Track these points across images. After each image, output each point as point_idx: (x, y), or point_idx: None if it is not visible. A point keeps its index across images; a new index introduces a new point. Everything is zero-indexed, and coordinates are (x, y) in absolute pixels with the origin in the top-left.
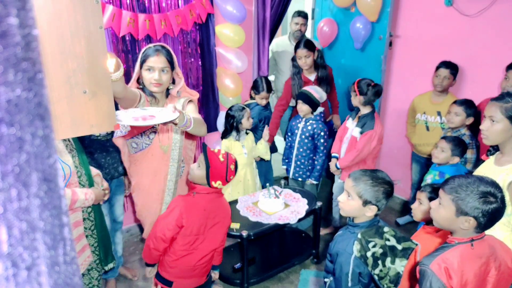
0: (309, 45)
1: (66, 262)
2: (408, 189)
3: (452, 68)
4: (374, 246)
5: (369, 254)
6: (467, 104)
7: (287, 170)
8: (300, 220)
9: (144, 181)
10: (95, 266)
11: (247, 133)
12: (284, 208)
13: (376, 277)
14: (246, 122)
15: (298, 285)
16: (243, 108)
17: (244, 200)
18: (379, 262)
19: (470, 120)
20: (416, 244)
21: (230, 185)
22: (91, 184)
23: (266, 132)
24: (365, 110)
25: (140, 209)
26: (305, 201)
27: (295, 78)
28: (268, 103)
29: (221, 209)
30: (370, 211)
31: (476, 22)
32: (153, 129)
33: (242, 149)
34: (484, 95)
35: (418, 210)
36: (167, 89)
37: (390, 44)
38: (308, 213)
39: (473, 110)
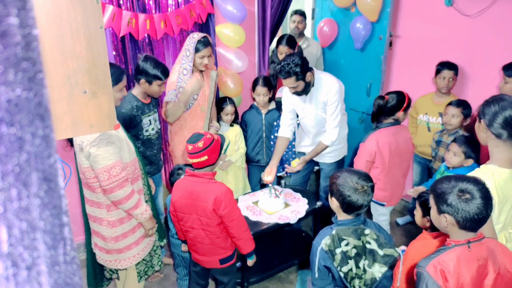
0: (291, 42)
1: (66, 262)
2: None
3: (455, 68)
4: (346, 245)
5: (338, 250)
6: (464, 105)
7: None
8: (300, 220)
9: (185, 134)
10: (158, 244)
11: (232, 125)
12: (284, 207)
13: (341, 274)
14: (224, 116)
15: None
16: (228, 103)
17: (244, 199)
18: (350, 261)
19: (468, 121)
20: (399, 254)
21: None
22: (144, 173)
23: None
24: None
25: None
26: (305, 200)
27: (272, 70)
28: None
29: None
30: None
31: (476, 22)
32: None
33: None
34: (485, 95)
35: (416, 217)
36: None
37: (390, 44)
38: (308, 213)
39: (470, 110)
